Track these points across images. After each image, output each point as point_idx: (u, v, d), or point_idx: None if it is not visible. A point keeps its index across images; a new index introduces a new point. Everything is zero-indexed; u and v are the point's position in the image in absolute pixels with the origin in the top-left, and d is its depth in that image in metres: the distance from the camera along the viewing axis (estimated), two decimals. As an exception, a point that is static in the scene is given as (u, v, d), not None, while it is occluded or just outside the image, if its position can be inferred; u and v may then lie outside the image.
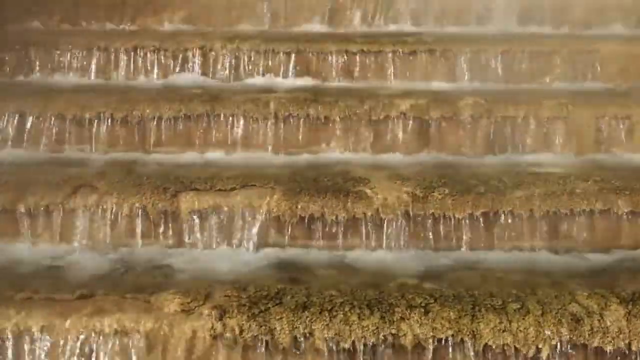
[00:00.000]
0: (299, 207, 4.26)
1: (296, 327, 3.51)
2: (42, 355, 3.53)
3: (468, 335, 3.48)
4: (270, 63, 5.98)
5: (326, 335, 3.50)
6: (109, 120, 5.14)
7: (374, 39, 6.13)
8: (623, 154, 5.09)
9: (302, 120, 5.13)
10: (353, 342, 3.49)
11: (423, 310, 3.53)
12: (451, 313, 3.52)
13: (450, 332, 3.48)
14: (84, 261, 4.17)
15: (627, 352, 3.50)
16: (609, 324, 3.49)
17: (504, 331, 3.47)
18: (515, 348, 3.47)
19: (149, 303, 3.61)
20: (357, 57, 5.91)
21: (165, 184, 4.39)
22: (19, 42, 6.17)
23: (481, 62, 5.85)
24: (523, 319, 3.49)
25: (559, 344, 3.48)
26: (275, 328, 3.51)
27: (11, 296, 3.67)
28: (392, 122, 5.12)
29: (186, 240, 4.31)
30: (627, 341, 3.49)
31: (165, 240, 4.33)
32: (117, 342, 3.52)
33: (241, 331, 3.52)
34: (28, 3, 6.80)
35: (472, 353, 3.48)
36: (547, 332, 3.47)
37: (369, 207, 4.25)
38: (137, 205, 4.31)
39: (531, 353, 3.48)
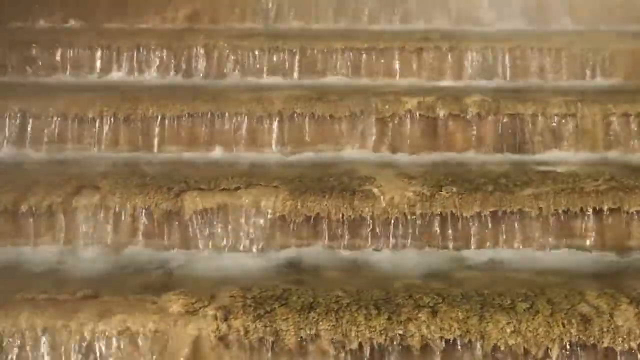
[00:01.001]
0: (305, 206, 4.26)
1: (302, 328, 3.51)
2: (46, 357, 3.55)
3: (476, 335, 3.48)
4: (274, 61, 6.00)
5: (332, 336, 3.50)
6: (112, 119, 5.15)
7: (380, 36, 6.17)
8: (633, 151, 5.09)
9: (307, 118, 5.14)
10: (360, 343, 3.49)
11: (431, 311, 3.54)
12: (459, 313, 3.52)
13: (458, 333, 3.48)
14: (87, 262, 4.18)
15: (637, 352, 3.50)
16: (619, 324, 3.49)
17: (513, 331, 3.47)
18: (525, 349, 3.47)
19: (153, 304, 3.62)
20: (363, 55, 5.95)
21: (169, 183, 4.40)
22: (20, 41, 6.19)
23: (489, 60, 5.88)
24: (532, 319, 3.49)
25: (568, 344, 3.48)
26: (280, 329, 3.51)
27: (14, 297, 3.68)
28: (399, 120, 5.13)
29: (190, 240, 4.32)
30: (637, 341, 3.48)
31: (169, 241, 4.33)
32: (121, 343, 3.53)
33: (246, 332, 3.52)
34: (29, 1, 6.82)
35: (480, 353, 3.48)
36: (557, 333, 3.47)
37: (376, 206, 4.25)
38: (140, 205, 4.32)
39: (540, 354, 3.47)
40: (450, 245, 4.28)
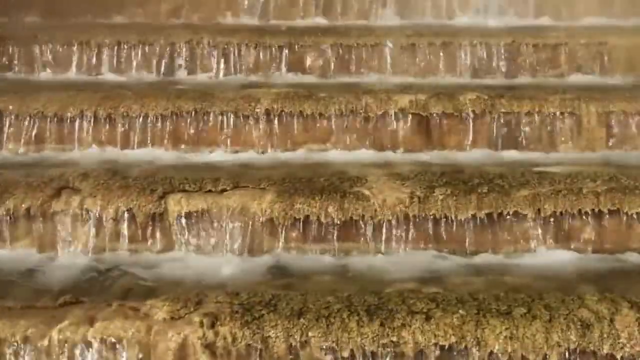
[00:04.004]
0: (294, 208, 4.26)
1: (291, 335, 3.50)
2: (27, 367, 3.55)
3: (472, 342, 3.48)
4: (261, 57, 6.00)
5: (323, 344, 3.50)
6: (92, 118, 5.15)
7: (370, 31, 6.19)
8: (633, 151, 5.11)
9: (295, 117, 5.14)
10: (352, 350, 3.49)
11: (425, 316, 3.53)
12: (454, 319, 3.52)
13: (453, 339, 3.48)
14: (67, 267, 4.17)
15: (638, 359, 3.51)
16: (619, 329, 3.50)
17: (510, 338, 3.47)
18: (522, 355, 3.47)
19: (136, 310, 3.61)
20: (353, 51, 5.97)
21: (152, 185, 4.39)
22: (-4, 37, 6.19)
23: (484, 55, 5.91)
24: (530, 324, 3.49)
25: (567, 351, 3.49)
26: (269, 336, 3.51)
27: (-9, 305, 3.68)
28: (391, 119, 5.14)
29: (175, 244, 4.32)
30: (638, 348, 3.50)
31: (153, 245, 4.33)
32: (104, 352, 3.53)
33: (234, 339, 3.52)
34: (5, -4, 6.81)
35: (477, 360, 3.50)
36: (555, 339, 3.48)
37: (367, 209, 4.25)
38: (122, 207, 4.31)
39: (538, 360, 3.49)
40: (445, 248, 4.29)
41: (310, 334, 3.50)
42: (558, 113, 5.15)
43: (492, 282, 3.93)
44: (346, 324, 3.51)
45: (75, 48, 6.09)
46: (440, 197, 4.29)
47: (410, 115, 5.15)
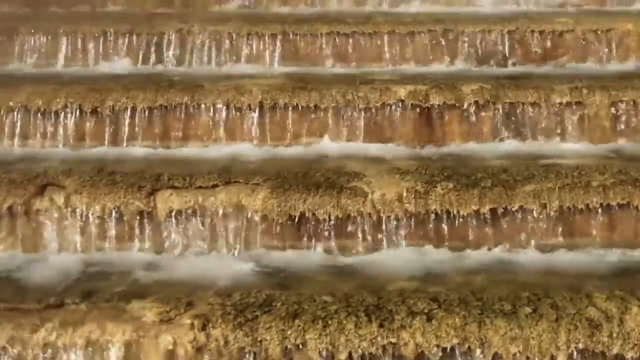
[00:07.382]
0: (288, 205, 4.26)
1: (287, 337, 3.51)
2: (9, 371, 3.55)
3: (476, 343, 3.49)
4: (254, 47, 6.00)
5: (320, 346, 3.50)
6: (78, 112, 5.14)
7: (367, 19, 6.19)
8: (643, 142, 5.12)
9: (290, 109, 5.14)
10: (349, 352, 3.49)
11: (426, 317, 3.54)
12: (457, 319, 3.53)
13: (455, 340, 3.49)
14: (51, 267, 4.17)
15: (649, 359, 3.52)
16: (629, 329, 3.50)
17: (515, 338, 3.48)
18: (528, 357, 3.48)
19: (124, 312, 3.62)
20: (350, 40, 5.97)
21: (141, 181, 4.39)
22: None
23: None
24: (536, 324, 3.50)
25: (575, 351, 3.49)
26: (264, 338, 3.52)
27: (-27, 307, 3.68)
28: (390, 111, 5.13)
29: (164, 243, 4.32)
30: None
31: (142, 244, 4.32)
32: (90, 355, 3.53)
33: (226, 342, 3.52)
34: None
35: (480, 362, 3.51)
36: (562, 339, 3.48)
37: (365, 204, 4.25)
38: (109, 205, 4.31)
39: (545, 362, 3.50)
40: (447, 245, 4.28)
41: (306, 336, 3.50)
42: (564, 103, 5.14)
43: (496, 280, 3.93)
44: (344, 325, 3.52)
45: (59, 38, 6.08)
46: (442, 192, 4.29)
47: (410, 107, 5.14)
